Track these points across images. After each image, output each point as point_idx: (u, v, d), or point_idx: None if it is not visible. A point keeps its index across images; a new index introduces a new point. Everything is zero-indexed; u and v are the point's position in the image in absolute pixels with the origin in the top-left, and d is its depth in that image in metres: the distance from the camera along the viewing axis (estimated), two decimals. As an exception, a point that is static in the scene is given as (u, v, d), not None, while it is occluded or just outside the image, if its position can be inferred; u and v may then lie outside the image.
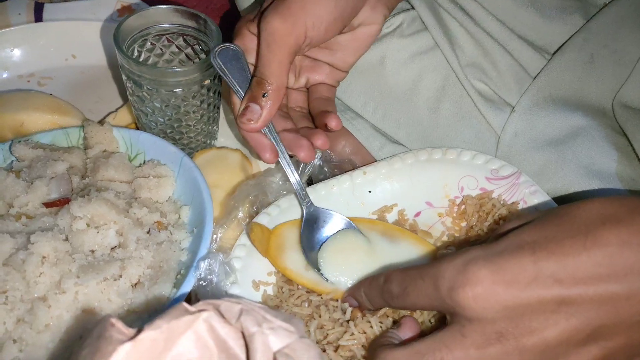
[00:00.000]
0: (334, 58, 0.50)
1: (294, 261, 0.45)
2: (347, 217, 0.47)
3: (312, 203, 0.47)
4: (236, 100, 0.45)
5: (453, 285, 0.31)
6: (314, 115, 0.49)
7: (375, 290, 0.37)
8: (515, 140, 0.49)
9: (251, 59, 0.46)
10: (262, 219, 0.47)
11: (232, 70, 0.45)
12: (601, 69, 0.51)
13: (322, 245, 0.46)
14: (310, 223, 0.46)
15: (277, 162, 0.48)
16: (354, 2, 0.46)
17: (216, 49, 0.45)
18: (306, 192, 0.47)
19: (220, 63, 0.45)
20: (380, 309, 0.40)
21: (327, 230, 0.47)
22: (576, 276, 0.29)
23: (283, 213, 0.48)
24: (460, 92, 0.52)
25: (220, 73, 0.45)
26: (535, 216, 0.34)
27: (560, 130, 0.48)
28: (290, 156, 0.47)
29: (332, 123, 0.47)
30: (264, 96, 0.43)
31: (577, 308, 0.29)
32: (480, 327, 0.30)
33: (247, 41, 0.46)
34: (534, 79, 0.51)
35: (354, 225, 0.46)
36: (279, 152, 0.45)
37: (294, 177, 0.46)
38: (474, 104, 0.52)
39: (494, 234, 0.35)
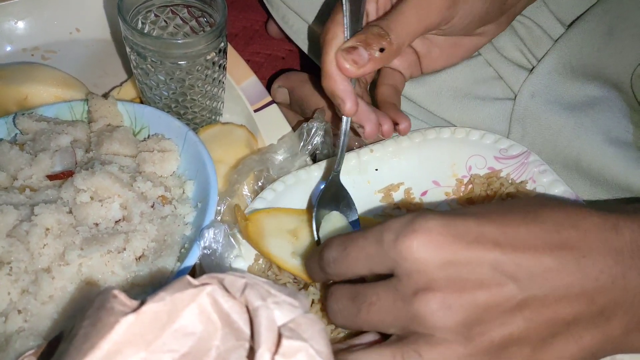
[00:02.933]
0: (427, 52, 0.47)
1: (278, 247, 0.43)
2: (357, 214, 0.45)
3: (338, 174, 0.45)
4: (338, 33, 0.41)
5: (398, 236, 0.30)
6: (380, 102, 0.47)
7: (314, 260, 0.35)
8: (532, 101, 0.48)
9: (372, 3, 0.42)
10: (268, 194, 0.47)
11: (352, 2, 0.40)
12: (619, 41, 0.49)
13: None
14: (329, 191, 0.45)
15: (281, 137, 0.47)
16: (497, 9, 0.43)
17: None
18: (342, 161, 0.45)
19: None
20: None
21: (336, 205, 0.45)
22: (514, 244, 0.29)
23: (289, 189, 0.48)
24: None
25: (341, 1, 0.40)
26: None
27: (577, 97, 0.47)
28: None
29: (402, 125, 0.45)
30: (380, 50, 0.39)
31: (510, 275, 0.29)
32: (413, 281, 0.30)
33: None
34: (554, 43, 0.50)
35: (353, 218, 0.45)
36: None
37: (343, 139, 0.44)
38: (488, 64, 0.50)
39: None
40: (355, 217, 0.45)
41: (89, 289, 0.38)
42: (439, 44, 0.47)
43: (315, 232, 0.43)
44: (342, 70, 0.40)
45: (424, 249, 0.29)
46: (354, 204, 0.45)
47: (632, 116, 0.46)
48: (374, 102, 0.48)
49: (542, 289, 0.29)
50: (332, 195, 0.45)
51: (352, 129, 0.48)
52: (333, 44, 0.41)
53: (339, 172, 0.45)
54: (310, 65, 0.61)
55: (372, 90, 0.50)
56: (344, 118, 0.43)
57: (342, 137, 0.44)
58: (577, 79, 0.48)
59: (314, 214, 0.43)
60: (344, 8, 0.40)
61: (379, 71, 0.49)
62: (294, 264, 0.42)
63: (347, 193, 0.45)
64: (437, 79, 0.51)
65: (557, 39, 0.50)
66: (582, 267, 0.29)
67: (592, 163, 0.44)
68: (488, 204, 0.33)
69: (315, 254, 0.35)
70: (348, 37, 0.40)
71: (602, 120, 0.45)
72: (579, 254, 0.29)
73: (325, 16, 0.53)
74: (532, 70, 0.49)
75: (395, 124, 0.45)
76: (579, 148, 0.45)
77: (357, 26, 0.41)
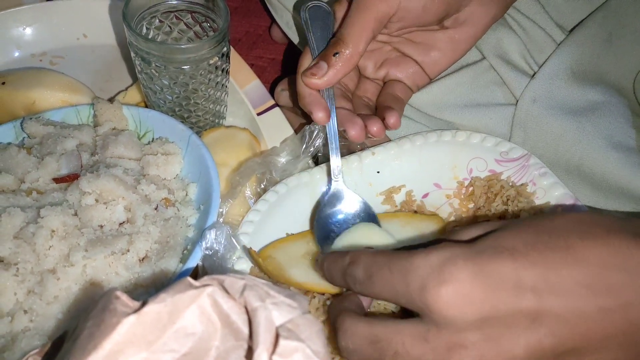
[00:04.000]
0: (425, 57, 0.47)
1: (301, 274, 0.42)
2: (373, 211, 0.45)
3: (343, 181, 0.46)
4: (305, 61, 0.45)
5: (426, 284, 0.28)
6: (378, 109, 0.47)
7: (338, 270, 0.34)
8: (534, 106, 0.48)
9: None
10: (270, 197, 0.47)
11: (315, 28, 0.44)
12: (619, 47, 0.49)
13: (338, 237, 0.44)
14: (333, 201, 0.45)
15: (284, 140, 0.47)
16: None
17: (308, 3, 0.45)
18: (341, 168, 0.46)
19: (307, 18, 0.44)
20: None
21: (347, 214, 0.45)
22: (555, 290, 0.27)
23: (291, 192, 0.48)
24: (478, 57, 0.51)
25: (304, 27, 0.44)
26: (501, 222, 0.32)
27: (579, 102, 0.47)
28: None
29: (391, 120, 0.45)
30: (334, 55, 0.41)
31: (552, 325, 0.27)
32: (446, 335, 0.28)
33: (341, 7, 0.45)
34: (556, 49, 0.50)
35: (376, 220, 0.45)
36: (330, 117, 0.44)
37: (335, 147, 0.45)
38: (492, 68, 0.51)
39: (450, 236, 0.32)
40: (371, 213, 0.45)
41: (93, 289, 0.39)
42: (434, 45, 0.47)
43: (318, 244, 0.43)
44: (309, 85, 0.43)
45: (455, 305, 0.27)
46: (366, 202, 0.45)
47: (634, 121, 0.46)
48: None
49: (584, 339, 0.27)
50: (335, 207, 0.45)
51: (342, 135, 0.49)
52: (301, 70, 0.44)
53: (338, 180, 0.46)
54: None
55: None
56: (326, 127, 0.44)
57: (332, 145, 0.45)
58: (578, 84, 0.48)
59: (315, 221, 0.43)
60: (310, 39, 0.44)
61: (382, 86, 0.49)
62: (325, 285, 0.40)
63: (354, 195, 0.45)
64: (440, 85, 0.52)
65: (558, 44, 0.50)
66: (628, 317, 0.27)
67: (594, 168, 0.44)
68: (521, 225, 0.30)
69: (339, 260, 0.34)
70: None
71: (604, 125, 0.45)
72: (626, 301, 0.27)
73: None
74: (533, 75, 0.49)
75: (383, 118, 0.45)
76: (581, 153, 0.45)
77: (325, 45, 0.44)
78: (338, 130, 0.45)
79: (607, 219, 0.30)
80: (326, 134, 0.50)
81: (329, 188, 0.46)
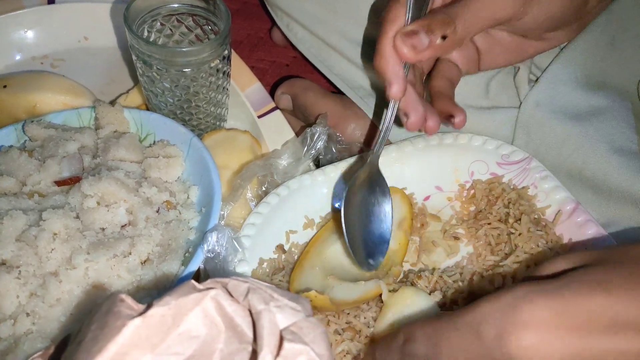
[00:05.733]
0: (487, 49, 0.45)
1: (342, 292, 0.40)
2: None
3: (378, 157, 0.43)
4: (398, 14, 0.39)
5: (502, 331, 0.24)
6: (434, 94, 0.45)
7: (395, 353, 0.30)
8: (537, 110, 0.48)
9: None
10: (272, 199, 0.47)
11: None
12: (622, 51, 0.50)
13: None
14: (365, 173, 0.43)
15: (285, 143, 0.47)
16: (573, 14, 0.42)
17: None
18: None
19: None
20: None
21: (370, 190, 0.43)
22: None
23: (292, 194, 0.48)
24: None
25: None
26: (588, 256, 0.28)
27: (582, 106, 0.47)
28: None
29: (458, 118, 0.42)
30: (443, 38, 0.37)
31: None
32: None
33: None
34: (559, 53, 0.50)
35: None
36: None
37: (389, 126, 0.42)
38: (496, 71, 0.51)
39: (533, 273, 0.29)
40: (389, 207, 0.43)
41: (95, 292, 0.39)
42: (502, 42, 0.45)
43: (342, 216, 0.40)
44: (399, 53, 0.38)
45: (542, 351, 0.23)
46: (389, 192, 0.43)
47: (637, 125, 0.46)
48: (427, 95, 0.47)
49: None
50: (368, 178, 0.43)
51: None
52: (393, 25, 0.39)
53: (378, 155, 0.43)
54: (314, 73, 0.61)
55: (426, 81, 0.48)
56: (391, 102, 0.41)
57: (386, 121, 0.42)
58: (581, 88, 0.48)
59: (343, 198, 0.41)
60: None
61: (435, 62, 0.47)
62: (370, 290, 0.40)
63: (384, 179, 0.43)
64: None
65: (562, 49, 0.50)
66: None
67: (596, 172, 0.44)
68: (609, 258, 0.26)
69: (392, 343, 0.30)
70: (409, 21, 0.39)
71: (607, 129, 0.45)
72: None
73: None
74: (537, 80, 0.49)
75: (450, 116, 0.42)
76: (583, 157, 0.45)
77: (420, 13, 0.39)
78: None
79: None
80: (329, 134, 0.50)
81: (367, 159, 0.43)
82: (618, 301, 0.24)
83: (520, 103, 0.49)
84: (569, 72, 0.48)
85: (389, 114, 0.42)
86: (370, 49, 0.50)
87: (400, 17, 0.39)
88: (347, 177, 0.48)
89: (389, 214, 0.43)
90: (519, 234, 0.42)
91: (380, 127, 0.42)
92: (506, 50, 0.45)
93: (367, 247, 0.42)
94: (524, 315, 0.24)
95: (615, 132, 0.45)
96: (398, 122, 0.44)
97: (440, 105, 0.43)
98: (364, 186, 0.42)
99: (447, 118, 0.43)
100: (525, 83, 0.50)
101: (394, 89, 0.39)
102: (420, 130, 0.43)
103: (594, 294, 0.24)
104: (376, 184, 0.43)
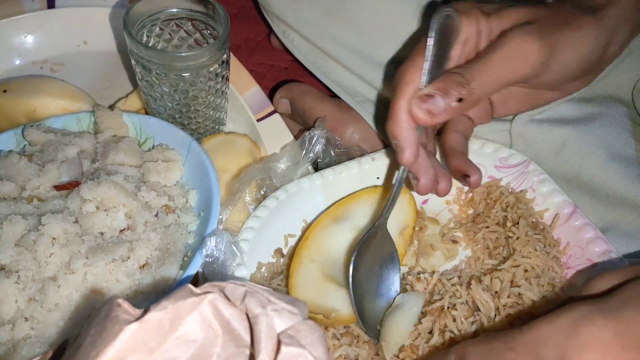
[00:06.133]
0: (502, 103, 0.44)
1: (336, 299, 0.41)
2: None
3: (386, 221, 0.42)
4: (413, 74, 0.38)
5: (563, 353, 0.24)
6: (447, 148, 0.44)
7: None
8: (531, 121, 0.48)
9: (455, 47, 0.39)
10: (270, 202, 0.48)
11: (437, 37, 0.37)
12: (618, 58, 0.50)
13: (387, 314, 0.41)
14: (375, 237, 0.42)
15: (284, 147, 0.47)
16: (591, 69, 0.41)
17: (444, 10, 0.38)
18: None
19: (435, 26, 0.37)
20: None
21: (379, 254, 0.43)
22: None
23: (291, 198, 0.48)
24: None
25: (429, 31, 0.37)
26: (638, 269, 0.28)
27: (579, 113, 0.47)
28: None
29: (474, 178, 0.41)
30: (459, 101, 0.36)
31: None
32: None
33: (470, 24, 0.38)
34: None
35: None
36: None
37: (397, 187, 0.42)
38: None
39: (582, 290, 0.29)
40: (397, 275, 0.42)
41: (93, 297, 0.39)
42: (517, 94, 0.44)
43: (350, 280, 0.40)
44: (415, 117, 0.37)
45: None
46: (398, 257, 0.42)
47: (634, 130, 0.46)
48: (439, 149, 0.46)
49: None
50: (377, 242, 0.42)
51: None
52: (408, 89, 0.38)
53: (386, 218, 0.42)
54: (312, 76, 0.61)
55: (438, 135, 0.47)
56: (401, 167, 0.40)
57: (396, 186, 0.42)
58: (577, 96, 0.48)
59: (353, 258, 0.40)
60: (428, 53, 0.37)
61: None
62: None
63: (393, 244, 0.42)
64: None
65: None
66: None
67: (594, 178, 0.44)
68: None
69: (447, 356, 0.30)
70: (426, 83, 0.38)
71: (604, 134, 0.45)
72: None
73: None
74: None
75: (466, 175, 0.42)
76: (580, 162, 0.45)
77: (438, 72, 0.38)
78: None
79: None
80: (328, 137, 0.50)
81: (374, 227, 0.42)
82: None
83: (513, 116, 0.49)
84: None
85: (398, 178, 0.41)
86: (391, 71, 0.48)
87: (415, 81, 0.38)
88: (355, 241, 0.46)
89: (397, 282, 0.42)
90: (517, 238, 0.42)
91: (390, 193, 0.42)
92: (520, 101, 0.45)
93: (374, 313, 0.41)
94: (584, 336, 0.24)
95: (613, 137, 0.45)
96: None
97: (454, 164, 0.42)
98: (372, 251, 0.42)
99: (462, 177, 0.42)
100: None
101: (407, 156, 0.39)
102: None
103: None
104: (385, 248, 0.43)
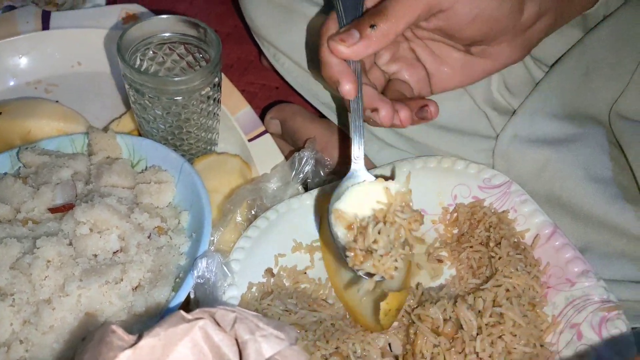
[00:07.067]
0: (436, 71, 0.46)
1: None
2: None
3: (363, 164, 0.43)
4: (331, 26, 0.41)
5: None
6: (395, 97, 0.45)
7: None
8: (514, 140, 0.50)
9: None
10: (261, 223, 0.49)
11: (347, 1, 0.41)
12: (596, 81, 0.52)
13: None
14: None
15: (275, 167, 0.48)
16: (509, 14, 0.42)
17: None
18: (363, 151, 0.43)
19: None
20: None
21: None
22: None
23: (281, 217, 0.49)
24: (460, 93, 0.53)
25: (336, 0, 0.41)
26: None
27: (559, 134, 0.49)
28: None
29: (432, 107, 0.43)
30: (371, 27, 0.39)
31: None
32: None
33: None
34: (536, 86, 0.52)
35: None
36: (358, 92, 0.40)
37: (359, 125, 0.42)
38: (474, 103, 0.52)
39: None
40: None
41: (87, 319, 0.40)
42: (448, 61, 0.46)
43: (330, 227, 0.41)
44: (335, 52, 0.39)
45: None
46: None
47: (611, 152, 0.48)
48: None
49: None
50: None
51: (367, 120, 0.44)
52: (327, 35, 0.41)
53: (357, 157, 0.43)
54: (302, 97, 0.63)
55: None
56: (351, 103, 0.41)
57: (354, 122, 0.41)
58: (557, 118, 0.50)
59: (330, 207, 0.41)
60: (338, 4, 0.41)
61: (387, 83, 0.48)
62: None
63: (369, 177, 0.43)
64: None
65: (538, 82, 0.52)
66: None
67: (573, 198, 0.46)
68: None
69: None
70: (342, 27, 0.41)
71: (583, 156, 0.47)
72: None
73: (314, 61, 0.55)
74: (514, 112, 0.51)
75: (424, 106, 0.43)
76: (561, 183, 0.47)
77: (352, 20, 0.41)
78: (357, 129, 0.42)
79: None
80: (317, 158, 0.51)
81: (350, 169, 0.43)
82: None
83: (497, 135, 0.51)
84: (545, 103, 0.50)
85: (355, 115, 0.41)
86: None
87: (332, 28, 0.41)
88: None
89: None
90: (499, 258, 0.43)
91: (352, 133, 0.42)
92: (454, 70, 0.46)
93: None
94: None
95: (592, 159, 0.47)
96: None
97: (409, 102, 0.44)
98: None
99: (420, 109, 0.43)
100: (496, 112, 0.51)
101: (346, 86, 0.40)
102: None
103: None
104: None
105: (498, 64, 0.46)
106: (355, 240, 0.40)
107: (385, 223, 0.40)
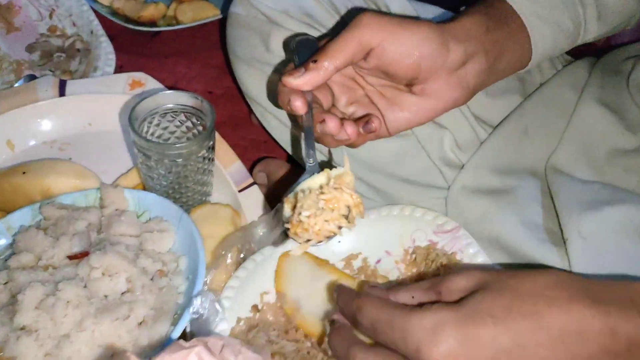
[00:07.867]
0: (389, 113, 0.51)
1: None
2: None
3: (316, 165, 0.49)
4: (288, 71, 0.48)
5: (420, 347, 0.34)
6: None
7: (350, 313, 0.41)
8: (462, 190, 0.59)
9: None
10: (249, 264, 0.57)
11: (300, 55, 0.50)
12: (534, 139, 0.61)
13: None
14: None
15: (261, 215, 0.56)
16: (436, 50, 0.46)
17: (297, 38, 0.52)
18: (315, 156, 0.49)
19: (295, 47, 0.51)
20: None
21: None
22: (524, 353, 0.34)
23: (266, 260, 0.57)
24: (419, 151, 0.62)
25: (292, 54, 0.51)
26: (481, 277, 0.38)
27: (499, 186, 0.58)
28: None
29: (376, 121, 0.48)
30: (313, 62, 0.46)
31: None
32: None
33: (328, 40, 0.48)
34: (482, 143, 0.62)
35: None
36: (308, 109, 0.46)
37: (310, 136, 0.48)
38: (430, 160, 0.61)
39: (453, 281, 0.39)
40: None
41: (100, 351, 0.47)
42: (399, 104, 0.50)
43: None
44: (285, 83, 0.47)
45: None
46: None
47: (544, 201, 0.57)
48: None
49: None
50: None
51: (319, 140, 0.51)
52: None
53: (312, 162, 0.48)
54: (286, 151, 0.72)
55: None
56: (303, 121, 0.47)
57: (307, 134, 0.47)
58: (498, 172, 0.59)
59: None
60: (294, 60, 0.50)
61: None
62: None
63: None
64: (389, 167, 0.63)
65: (483, 141, 0.61)
66: None
67: (509, 241, 0.54)
68: (499, 288, 0.36)
69: (349, 304, 0.41)
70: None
71: (518, 205, 0.56)
72: None
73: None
74: (463, 166, 0.60)
75: (367, 122, 0.48)
76: (499, 228, 0.55)
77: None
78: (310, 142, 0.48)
79: (571, 282, 0.36)
80: (302, 131, 0.58)
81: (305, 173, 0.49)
82: (499, 333, 0.34)
83: (449, 186, 0.60)
84: (488, 159, 0.60)
85: (307, 130, 0.47)
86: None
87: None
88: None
89: None
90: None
91: (305, 142, 0.48)
92: (404, 111, 0.50)
93: None
94: (437, 338, 0.34)
95: (525, 208, 0.55)
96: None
97: (355, 121, 0.49)
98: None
99: (365, 124, 0.48)
100: (448, 167, 0.60)
101: (296, 102, 0.46)
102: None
103: (485, 326, 0.34)
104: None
105: (443, 103, 0.50)
106: (292, 214, 0.48)
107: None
